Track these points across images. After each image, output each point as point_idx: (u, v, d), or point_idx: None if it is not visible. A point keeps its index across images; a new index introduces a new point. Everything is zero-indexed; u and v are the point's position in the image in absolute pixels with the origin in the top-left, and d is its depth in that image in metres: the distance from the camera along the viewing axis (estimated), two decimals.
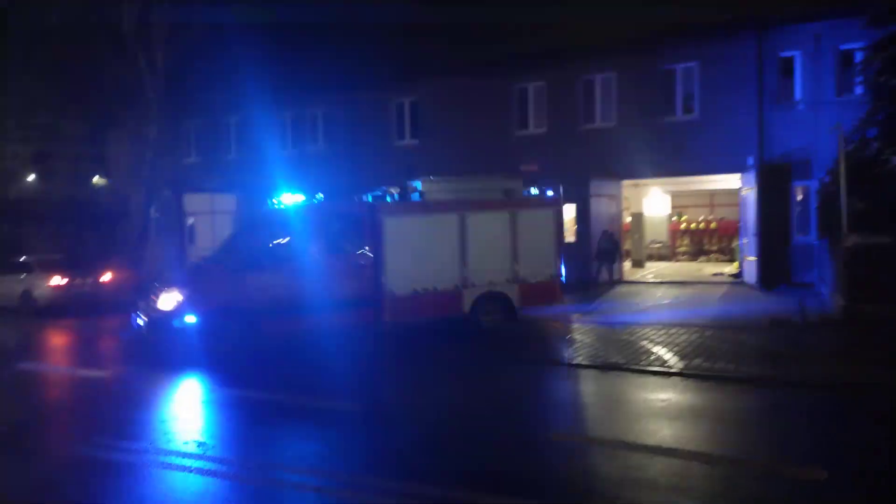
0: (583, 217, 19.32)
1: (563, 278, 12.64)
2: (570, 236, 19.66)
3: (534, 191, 12.58)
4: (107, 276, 16.73)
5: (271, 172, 23.52)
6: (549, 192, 12.56)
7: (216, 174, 23.54)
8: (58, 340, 13.55)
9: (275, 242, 11.15)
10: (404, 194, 11.91)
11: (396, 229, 11.32)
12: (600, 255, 18.74)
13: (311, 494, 5.00)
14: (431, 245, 11.54)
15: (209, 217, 24.14)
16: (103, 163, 27.19)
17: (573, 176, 19.04)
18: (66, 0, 18.58)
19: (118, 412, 7.73)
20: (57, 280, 15.56)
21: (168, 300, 10.73)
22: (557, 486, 5.08)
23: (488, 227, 11.83)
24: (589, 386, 8.48)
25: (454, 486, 5.01)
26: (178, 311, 10.53)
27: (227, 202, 22.06)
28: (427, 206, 11.73)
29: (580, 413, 7.35)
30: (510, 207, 12.09)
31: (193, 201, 22.69)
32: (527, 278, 12.05)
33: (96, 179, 52.13)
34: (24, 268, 16.37)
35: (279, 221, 11.34)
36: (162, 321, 10.66)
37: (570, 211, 19.63)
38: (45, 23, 19.14)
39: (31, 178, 61.90)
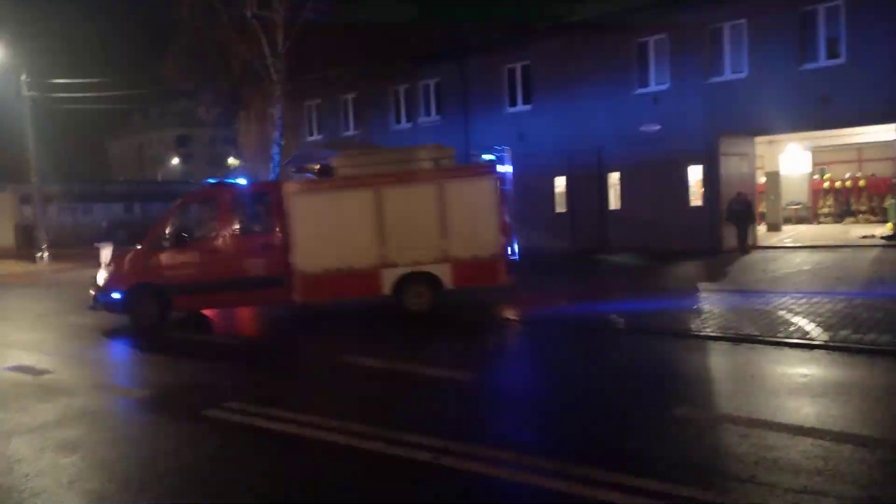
0: (711, 178, 18.08)
1: (514, 254, 11.17)
2: (696, 200, 18.53)
3: (487, 157, 11.12)
4: None
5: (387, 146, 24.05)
6: (489, 158, 11.07)
7: (336, 150, 24.34)
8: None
9: (191, 223, 11.82)
10: (325, 171, 11.59)
11: (304, 207, 11.08)
12: (732, 219, 17.49)
13: (427, 460, 5.04)
14: (344, 222, 11.02)
15: None
16: (235, 144, 29.00)
17: (700, 134, 17.87)
18: None
19: (242, 377, 8.25)
20: None
21: (100, 276, 11.91)
22: (684, 464, 4.77)
23: (410, 202, 10.92)
24: (719, 359, 7.94)
25: (572, 460, 4.85)
26: (106, 287, 11.64)
27: None
28: (337, 183, 11.31)
29: (709, 387, 6.88)
30: (437, 179, 10.99)
31: None
32: (460, 256, 10.92)
33: (230, 160, 56.00)
34: None
35: (200, 203, 12.01)
36: (97, 296, 11.77)
37: (696, 172, 18.47)
38: (177, 12, 20.44)
39: (175, 161, 67.45)
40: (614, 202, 20.03)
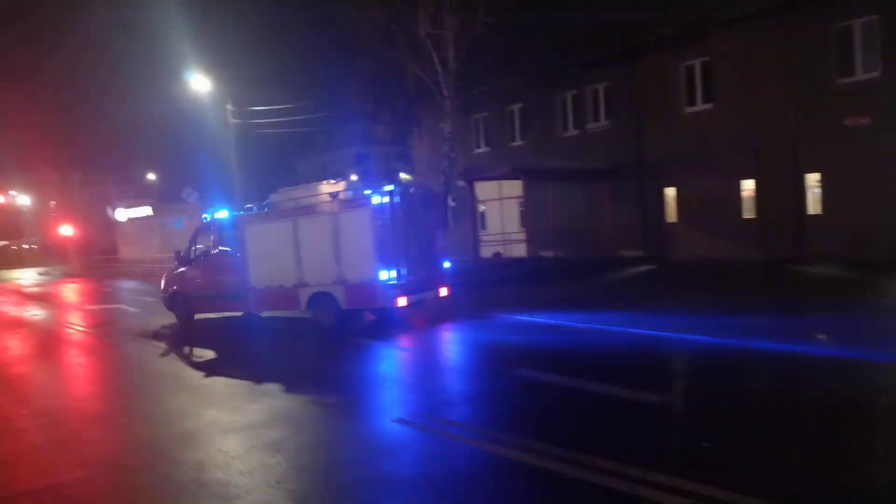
0: None
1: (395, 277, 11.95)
2: None
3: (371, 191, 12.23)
4: None
5: (552, 156, 23.74)
6: (368, 192, 12.32)
7: (503, 161, 24.51)
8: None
9: (200, 246, 15.47)
10: (269, 204, 14.11)
11: (251, 235, 13.83)
12: None
13: (624, 490, 4.71)
14: (276, 248, 13.22)
15: (497, 203, 25.40)
16: (408, 160, 30.37)
17: None
18: (374, 13, 20.98)
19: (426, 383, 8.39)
20: None
21: (161, 282, 16.53)
22: None
23: (315, 231, 12.75)
24: None
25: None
26: (163, 290, 16.09)
27: (513, 188, 22.90)
28: (271, 214, 13.88)
29: None
30: (331, 211, 12.61)
31: (484, 189, 24.06)
32: (350, 280, 12.33)
33: (402, 175, 58.86)
34: None
35: (206, 230, 15.74)
36: (162, 297, 16.21)
37: None
38: (358, 40, 21.85)
39: (353, 177, 71.89)
40: (813, 206, 17.96)
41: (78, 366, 12.13)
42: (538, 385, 7.98)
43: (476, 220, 23.91)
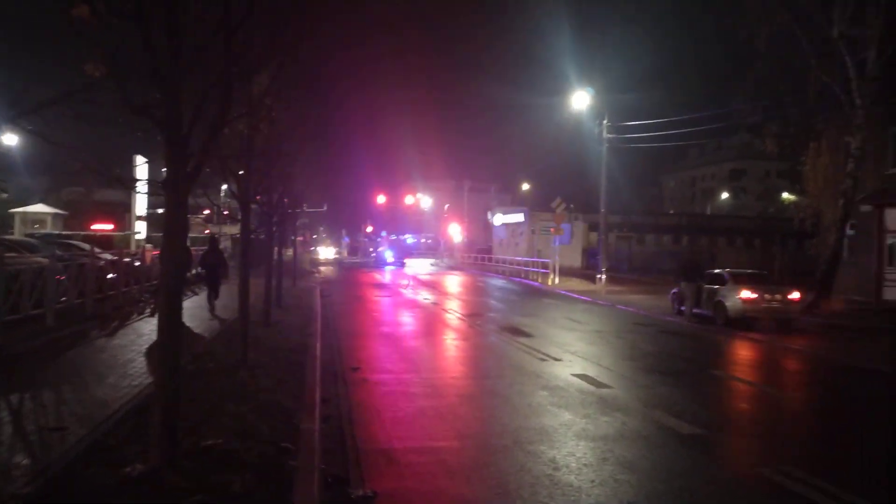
0: None
1: None
2: None
3: None
4: (794, 295, 16.28)
5: None
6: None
7: None
8: (741, 352, 14.00)
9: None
10: None
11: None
12: None
13: None
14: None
15: None
16: (793, 178, 26.88)
17: None
18: (778, 16, 19.09)
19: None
20: (747, 294, 16.00)
21: None
22: None
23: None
24: None
25: None
26: None
27: None
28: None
29: None
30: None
31: None
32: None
33: (785, 195, 52.63)
34: (718, 279, 17.51)
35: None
36: None
37: None
38: (754, 43, 20.09)
39: (724, 195, 67.49)
40: None
41: (454, 347, 13.82)
42: None
43: (883, 254, 19.92)
